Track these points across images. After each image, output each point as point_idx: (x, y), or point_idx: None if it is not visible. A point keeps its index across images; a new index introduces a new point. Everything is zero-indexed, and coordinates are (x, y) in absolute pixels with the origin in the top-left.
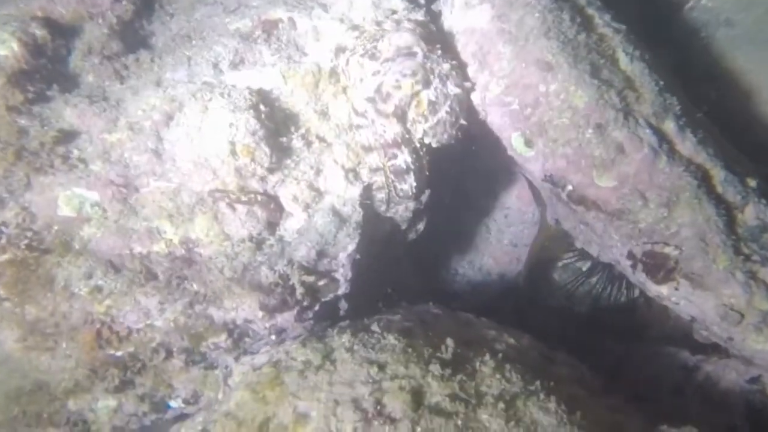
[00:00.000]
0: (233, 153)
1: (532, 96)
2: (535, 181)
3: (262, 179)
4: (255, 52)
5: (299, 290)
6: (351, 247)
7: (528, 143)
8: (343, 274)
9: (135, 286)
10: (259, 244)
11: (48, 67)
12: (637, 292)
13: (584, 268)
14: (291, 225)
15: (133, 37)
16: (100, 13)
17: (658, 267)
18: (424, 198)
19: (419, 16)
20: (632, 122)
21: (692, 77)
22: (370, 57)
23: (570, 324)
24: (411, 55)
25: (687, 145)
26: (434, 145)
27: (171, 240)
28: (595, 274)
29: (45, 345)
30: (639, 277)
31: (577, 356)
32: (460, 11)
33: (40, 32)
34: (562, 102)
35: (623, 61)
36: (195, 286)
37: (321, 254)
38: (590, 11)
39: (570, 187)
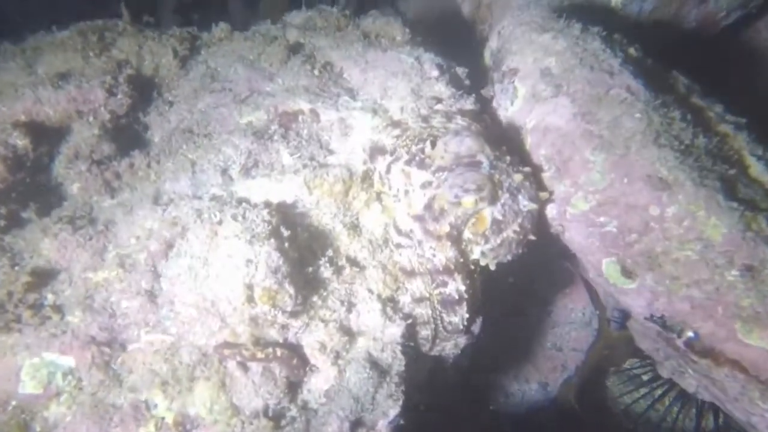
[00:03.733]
0: (250, 299)
1: (638, 219)
2: (635, 316)
3: (283, 327)
4: (271, 152)
5: None
6: (393, 412)
7: (628, 274)
8: None
9: None
10: (277, 418)
11: (26, 182)
12: None
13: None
14: (317, 384)
15: (126, 133)
16: (92, 110)
17: None
18: (475, 328)
19: (469, 104)
20: None
21: None
22: (419, 165)
23: None
24: (474, 165)
25: None
26: (492, 267)
27: (163, 419)
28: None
29: None
30: None
31: None
32: (526, 104)
33: (21, 142)
34: (686, 231)
35: (757, 169)
36: None
37: (356, 425)
38: (698, 102)
39: (691, 335)
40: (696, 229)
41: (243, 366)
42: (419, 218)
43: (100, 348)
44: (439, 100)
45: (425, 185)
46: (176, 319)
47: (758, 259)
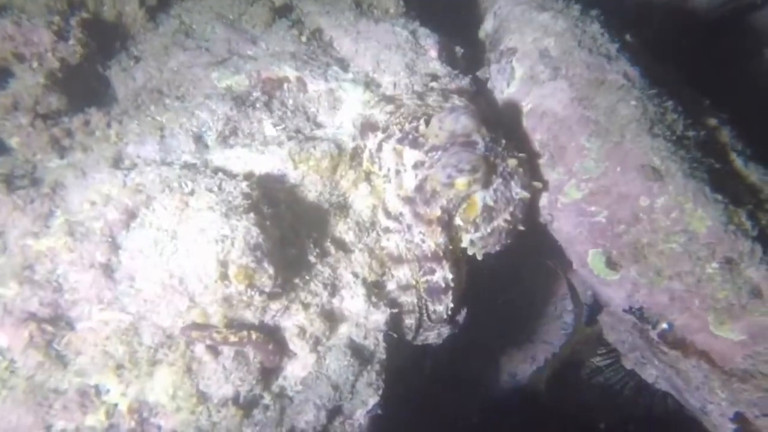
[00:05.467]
0: (224, 277)
1: (628, 209)
2: (613, 308)
3: (260, 309)
4: (252, 120)
5: None
6: (373, 401)
7: (612, 265)
8: None
9: None
10: (248, 406)
11: None
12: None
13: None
14: (294, 371)
15: (80, 87)
16: (36, 54)
17: None
18: (460, 318)
19: (465, 84)
20: None
21: None
22: (411, 143)
23: None
24: (469, 145)
25: None
26: (479, 257)
27: (116, 406)
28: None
29: None
30: None
31: None
32: (523, 86)
33: None
34: (673, 222)
35: (738, 163)
36: None
37: (333, 414)
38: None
39: (665, 327)
40: (682, 221)
41: (213, 350)
42: (410, 200)
43: (41, 326)
44: (435, 78)
45: (418, 165)
46: (137, 296)
47: (737, 252)
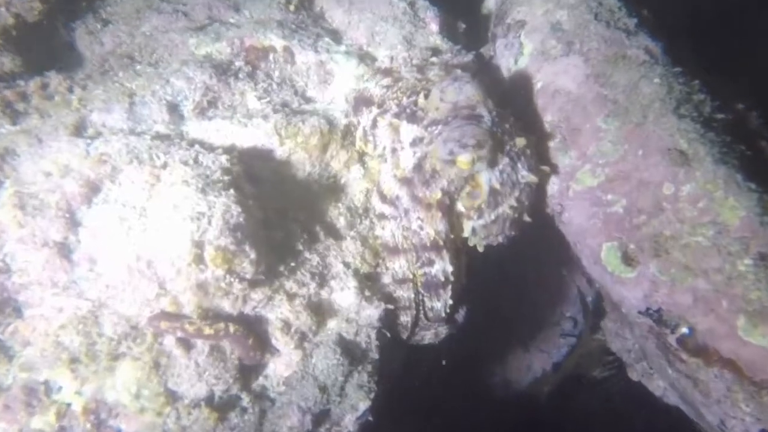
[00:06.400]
0: (199, 261)
1: (650, 198)
2: (628, 312)
3: (240, 299)
4: (234, 91)
5: None
6: (363, 406)
7: (629, 261)
8: None
9: None
10: (224, 408)
11: None
12: None
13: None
14: (277, 370)
15: (39, 48)
16: None
17: None
18: (459, 317)
19: (468, 60)
20: None
21: None
22: (409, 118)
23: None
24: (474, 118)
25: None
26: (480, 249)
27: (69, 406)
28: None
29: None
30: None
31: None
32: (532, 62)
33: None
34: (700, 213)
35: None
36: None
37: (319, 419)
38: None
39: (685, 331)
40: (711, 211)
41: (185, 343)
42: (407, 182)
43: None
44: (435, 52)
45: (416, 141)
46: (98, 281)
47: None
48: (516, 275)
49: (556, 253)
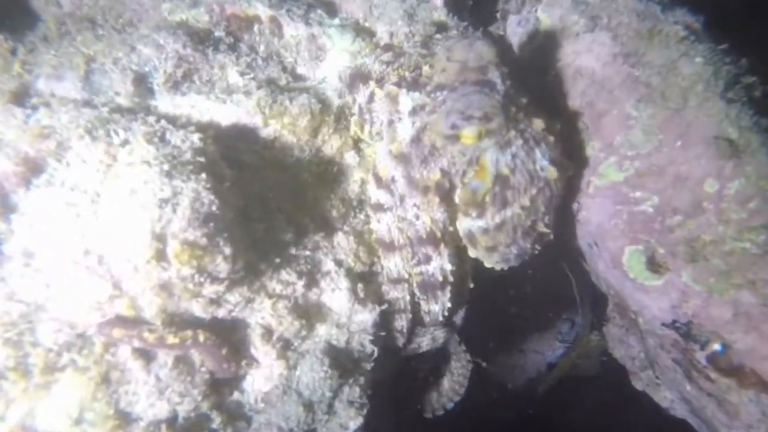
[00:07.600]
0: (160, 257)
1: (688, 196)
2: (648, 323)
3: (212, 302)
4: (213, 65)
5: None
6: (354, 425)
7: (655, 267)
8: None
9: None
10: (190, 431)
11: None
12: None
13: None
14: (256, 384)
15: None
16: None
17: None
18: (458, 319)
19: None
20: None
21: None
22: (410, 85)
23: None
24: (485, 84)
25: None
26: (487, 264)
27: None
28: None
29: None
30: None
31: None
32: (550, 40)
33: None
34: (750, 215)
35: None
36: None
37: None
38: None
39: (717, 348)
40: (764, 214)
41: (143, 355)
42: (404, 159)
43: None
44: (440, 28)
45: (416, 110)
46: (35, 278)
47: None
48: (515, 275)
49: (558, 252)
